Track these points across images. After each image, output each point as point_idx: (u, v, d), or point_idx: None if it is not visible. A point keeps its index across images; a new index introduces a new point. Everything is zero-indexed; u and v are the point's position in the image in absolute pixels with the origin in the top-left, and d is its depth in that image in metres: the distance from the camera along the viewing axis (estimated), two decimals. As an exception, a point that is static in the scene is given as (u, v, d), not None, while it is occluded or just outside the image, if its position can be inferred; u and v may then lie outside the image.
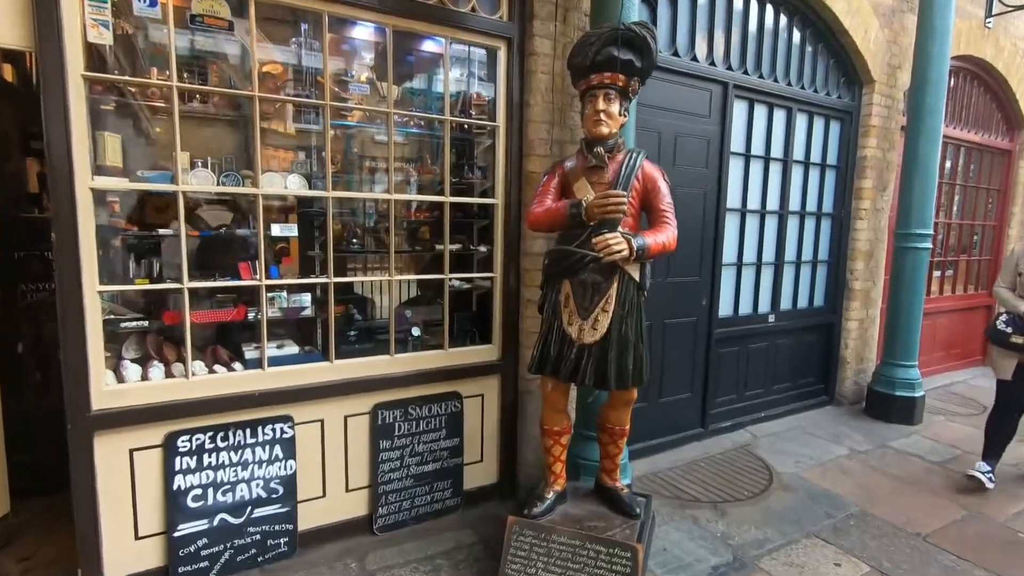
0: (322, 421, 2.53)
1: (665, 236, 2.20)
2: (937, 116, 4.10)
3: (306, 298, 2.55)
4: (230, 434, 2.32)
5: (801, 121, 4.13)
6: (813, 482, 3.34)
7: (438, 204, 2.84)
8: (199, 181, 2.25)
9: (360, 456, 2.64)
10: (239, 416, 2.33)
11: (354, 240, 2.84)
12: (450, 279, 2.81)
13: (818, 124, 4.26)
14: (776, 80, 3.89)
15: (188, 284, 2.21)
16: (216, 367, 2.37)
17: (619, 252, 2.03)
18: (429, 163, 2.96)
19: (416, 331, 2.93)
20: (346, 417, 2.58)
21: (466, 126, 2.94)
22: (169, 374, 2.27)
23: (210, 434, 2.27)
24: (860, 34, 4.10)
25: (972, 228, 5.89)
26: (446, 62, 2.68)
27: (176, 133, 2.11)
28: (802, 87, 4.05)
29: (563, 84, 2.83)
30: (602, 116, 2.20)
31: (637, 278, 2.23)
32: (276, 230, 2.43)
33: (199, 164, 2.33)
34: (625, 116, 2.28)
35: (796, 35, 3.97)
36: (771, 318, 4.18)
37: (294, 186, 2.46)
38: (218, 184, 2.31)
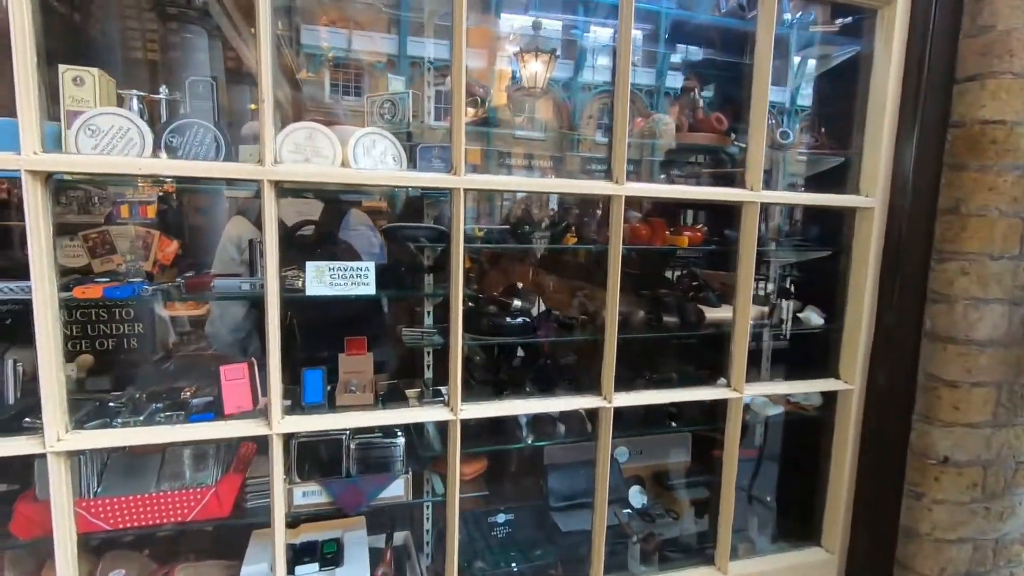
0: None
1: None
2: None
3: (396, 450, 1.00)
4: None
5: None
6: None
7: (712, 210, 1.16)
8: (102, 143, 0.76)
9: None
10: None
11: (504, 296, 1.20)
12: (746, 397, 1.11)
13: None
14: None
15: (56, 445, 0.75)
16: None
17: None
18: (700, 113, 1.20)
19: (638, 497, 1.28)
20: None
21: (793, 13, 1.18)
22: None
23: None
24: None
25: None
26: None
27: None
28: None
29: None
30: None
31: None
32: (321, 282, 0.88)
33: (134, 100, 0.87)
34: None
35: None
36: None
37: (375, 161, 0.90)
38: (157, 148, 0.79)
